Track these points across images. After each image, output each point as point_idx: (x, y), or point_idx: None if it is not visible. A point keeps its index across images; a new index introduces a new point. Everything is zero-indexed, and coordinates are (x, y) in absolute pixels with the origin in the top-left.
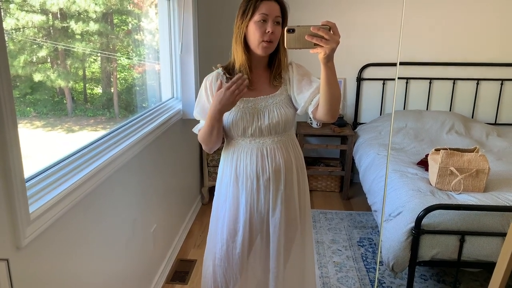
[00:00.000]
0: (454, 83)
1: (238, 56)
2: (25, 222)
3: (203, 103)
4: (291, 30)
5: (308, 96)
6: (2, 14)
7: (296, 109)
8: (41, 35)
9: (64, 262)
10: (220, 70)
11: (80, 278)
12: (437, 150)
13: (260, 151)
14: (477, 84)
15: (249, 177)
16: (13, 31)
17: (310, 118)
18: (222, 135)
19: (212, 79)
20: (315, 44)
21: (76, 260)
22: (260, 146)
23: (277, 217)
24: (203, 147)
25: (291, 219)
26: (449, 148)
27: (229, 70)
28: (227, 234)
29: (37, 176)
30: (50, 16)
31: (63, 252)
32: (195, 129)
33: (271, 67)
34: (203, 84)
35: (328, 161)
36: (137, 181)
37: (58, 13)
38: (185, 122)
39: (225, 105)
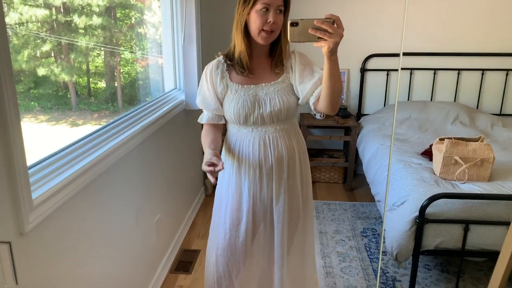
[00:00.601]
0: (458, 74)
1: (238, 44)
2: (28, 208)
3: (204, 92)
4: (294, 24)
5: (309, 88)
6: (6, 9)
7: (298, 98)
8: (44, 29)
9: (66, 249)
10: (221, 58)
11: (82, 265)
12: (442, 139)
13: (263, 139)
14: (482, 74)
15: (252, 166)
16: (17, 25)
17: (312, 110)
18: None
19: (213, 67)
20: (319, 38)
21: (79, 248)
22: (263, 135)
23: (280, 205)
24: None
25: (294, 207)
26: (454, 138)
27: (229, 57)
28: (230, 223)
29: (39, 163)
30: (54, 10)
31: (66, 239)
32: (200, 121)
33: (272, 54)
34: (204, 73)
35: (332, 152)
36: (140, 170)
37: (62, 7)
38: (188, 112)
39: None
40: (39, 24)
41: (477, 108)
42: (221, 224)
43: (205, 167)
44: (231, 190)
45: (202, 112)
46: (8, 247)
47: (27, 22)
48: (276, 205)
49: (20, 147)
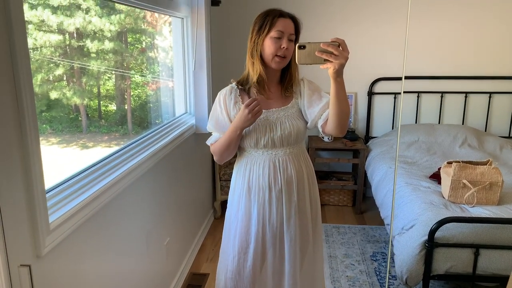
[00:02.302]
0: (466, 97)
1: (256, 68)
2: (45, 232)
3: (217, 116)
4: (302, 47)
5: (318, 111)
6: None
7: (307, 122)
8: (57, 54)
9: (80, 272)
10: (233, 84)
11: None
12: (450, 163)
13: (272, 162)
14: (490, 97)
15: (261, 188)
16: (31, 50)
17: (320, 132)
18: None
19: (226, 93)
20: (325, 60)
21: (92, 270)
22: (272, 158)
23: (292, 229)
24: (215, 158)
25: (304, 231)
26: (462, 161)
27: (242, 83)
28: (238, 246)
29: (56, 187)
30: (67, 35)
31: (80, 262)
32: (208, 142)
33: (282, 81)
34: (217, 98)
35: (340, 175)
36: (151, 194)
37: (75, 32)
38: (198, 136)
39: (245, 122)
40: (53, 49)
41: (485, 130)
42: (230, 246)
43: (246, 111)
44: (241, 213)
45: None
46: (28, 270)
47: (41, 47)
48: (287, 228)
49: (39, 172)
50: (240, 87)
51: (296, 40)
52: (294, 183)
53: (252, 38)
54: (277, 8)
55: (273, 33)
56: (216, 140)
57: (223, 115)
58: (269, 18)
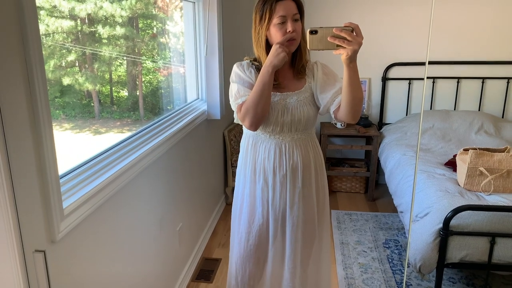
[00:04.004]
0: (483, 82)
1: (262, 60)
2: (59, 217)
3: (243, 78)
4: (314, 32)
5: (330, 96)
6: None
7: (318, 108)
8: (69, 40)
9: (94, 257)
10: (248, 61)
11: (109, 272)
12: (466, 150)
13: (279, 147)
14: (508, 82)
15: (265, 172)
16: (44, 36)
17: (333, 118)
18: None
19: (245, 65)
20: (338, 46)
21: (106, 255)
22: (279, 142)
23: (295, 215)
24: (249, 119)
25: (309, 218)
26: (479, 148)
27: (257, 63)
28: (243, 226)
29: (70, 173)
30: (79, 21)
31: (94, 247)
32: (235, 105)
33: (293, 63)
34: (236, 68)
35: (353, 162)
36: (163, 180)
37: (86, 18)
38: (210, 122)
39: (275, 56)
40: (65, 34)
41: (502, 117)
42: (236, 227)
43: (277, 46)
44: (246, 193)
45: (219, 121)
46: (43, 255)
47: (53, 33)
48: (290, 214)
49: (52, 158)
50: (256, 64)
51: (302, 17)
52: (299, 169)
53: (255, 29)
54: None
55: (275, 20)
56: (245, 100)
57: (247, 77)
58: (267, 5)
